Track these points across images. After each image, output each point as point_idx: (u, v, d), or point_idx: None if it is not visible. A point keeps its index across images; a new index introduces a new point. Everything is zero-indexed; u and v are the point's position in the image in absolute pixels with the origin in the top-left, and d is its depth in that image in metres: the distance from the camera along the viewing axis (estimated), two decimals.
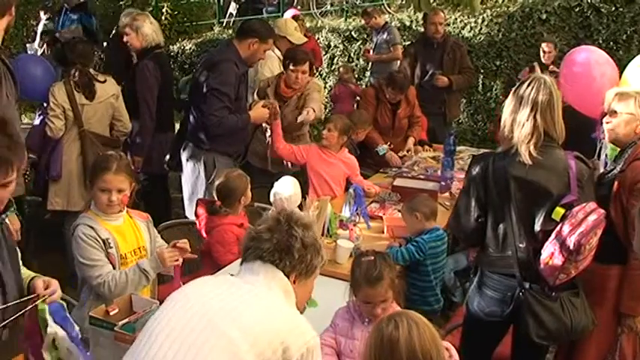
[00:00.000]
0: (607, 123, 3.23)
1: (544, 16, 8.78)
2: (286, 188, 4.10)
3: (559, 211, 2.72)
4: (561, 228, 2.70)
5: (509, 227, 2.84)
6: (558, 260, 2.69)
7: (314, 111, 4.91)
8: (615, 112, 3.20)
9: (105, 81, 4.86)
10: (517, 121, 2.81)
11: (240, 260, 2.17)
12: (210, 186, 4.48)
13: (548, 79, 2.85)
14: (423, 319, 2.02)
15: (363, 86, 9.31)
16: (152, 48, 5.15)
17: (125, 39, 5.33)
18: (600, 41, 8.09)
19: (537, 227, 2.80)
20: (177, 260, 2.98)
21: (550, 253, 2.72)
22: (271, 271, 2.03)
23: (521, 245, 2.83)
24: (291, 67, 4.97)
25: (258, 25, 4.67)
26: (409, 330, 1.95)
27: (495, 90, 9.35)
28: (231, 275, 2.15)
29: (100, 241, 2.92)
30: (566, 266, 2.70)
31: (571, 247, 2.64)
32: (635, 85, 3.92)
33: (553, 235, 2.73)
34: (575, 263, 2.70)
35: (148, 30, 5.10)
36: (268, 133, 5.04)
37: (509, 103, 2.88)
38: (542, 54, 7.51)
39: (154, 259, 2.97)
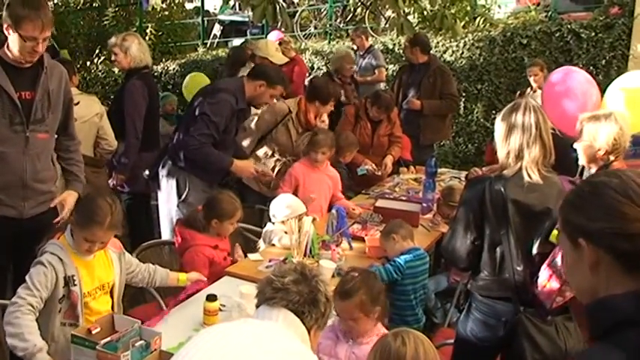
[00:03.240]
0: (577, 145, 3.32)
1: (525, 41, 8.92)
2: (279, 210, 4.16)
3: (556, 234, 2.70)
4: (558, 251, 2.68)
5: (507, 250, 2.82)
6: (555, 283, 2.68)
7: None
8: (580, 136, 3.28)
9: (78, 103, 4.80)
10: (526, 144, 2.80)
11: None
12: (181, 204, 4.50)
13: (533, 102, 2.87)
14: (428, 340, 2.10)
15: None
16: (140, 68, 5.15)
17: (113, 58, 5.34)
18: (580, 65, 8.14)
19: (535, 250, 2.78)
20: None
21: (547, 276, 2.70)
22: (290, 318, 2.00)
23: (518, 268, 2.81)
24: (330, 104, 5.20)
25: (270, 70, 4.72)
26: (416, 347, 2.04)
27: (476, 113, 9.44)
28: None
29: (61, 280, 2.80)
30: (563, 289, 2.69)
31: None
32: (613, 106, 4.01)
33: (549, 259, 2.71)
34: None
35: (136, 51, 5.10)
36: (271, 161, 5.10)
37: (508, 132, 2.84)
38: (531, 79, 7.37)
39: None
